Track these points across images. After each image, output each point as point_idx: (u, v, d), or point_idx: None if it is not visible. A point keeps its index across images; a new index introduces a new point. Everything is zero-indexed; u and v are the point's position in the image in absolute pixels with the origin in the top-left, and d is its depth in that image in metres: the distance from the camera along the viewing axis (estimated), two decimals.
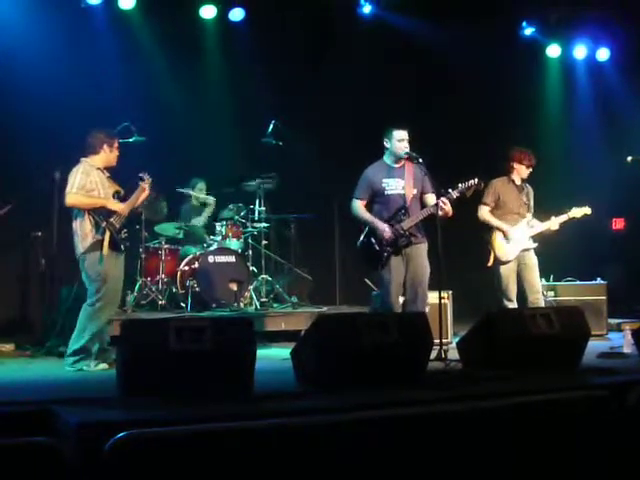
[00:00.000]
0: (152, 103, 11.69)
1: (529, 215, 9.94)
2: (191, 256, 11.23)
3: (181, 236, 11.70)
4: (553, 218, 9.91)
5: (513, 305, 9.70)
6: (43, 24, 10.76)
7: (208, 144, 12.25)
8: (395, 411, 4.63)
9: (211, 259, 11.03)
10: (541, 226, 9.89)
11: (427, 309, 9.01)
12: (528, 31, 13.44)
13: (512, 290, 9.79)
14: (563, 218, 9.91)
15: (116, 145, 8.54)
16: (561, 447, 4.41)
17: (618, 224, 13.94)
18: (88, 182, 8.20)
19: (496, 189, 9.94)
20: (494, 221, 9.87)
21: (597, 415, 4.57)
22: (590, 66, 14.01)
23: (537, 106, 13.69)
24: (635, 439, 4.54)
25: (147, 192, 8.70)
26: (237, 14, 12.38)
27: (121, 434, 3.58)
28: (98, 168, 8.35)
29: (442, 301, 8.67)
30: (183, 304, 10.88)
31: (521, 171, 9.93)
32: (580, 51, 13.86)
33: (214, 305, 10.80)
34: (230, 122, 12.43)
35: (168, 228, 11.67)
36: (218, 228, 11.58)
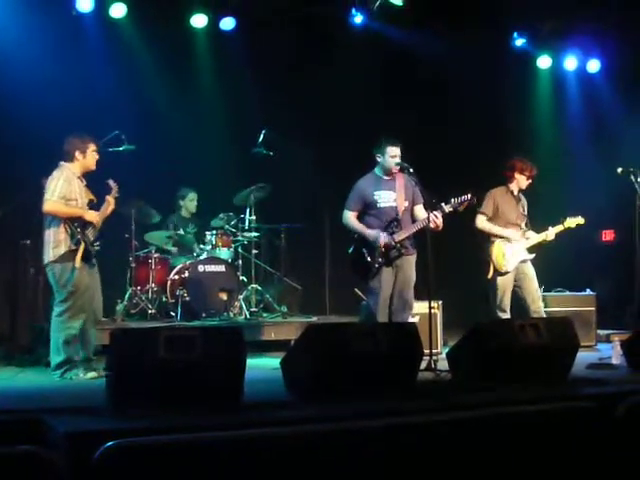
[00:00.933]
0: (143, 112, 11.67)
1: (524, 226, 9.96)
2: (181, 265, 11.21)
3: (171, 245, 11.68)
4: (550, 228, 9.93)
5: (506, 316, 9.70)
6: (34, 32, 10.74)
7: (198, 153, 12.24)
8: (385, 421, 4.63)
9: (201, 268, 11.02)
10: (537, 237, 9.91)
11: (417, 319, 9.03)
12: (519, 42, 13.44)
13: (507, 302, 9.80)
14: (559, 228, 9.94)
15: (92, 149, 8.45)
16: (549, 458, 4.41)
17: (608, 236, 13.95)
18: (69, 192, 8.18)
19: (495, 199, 9.95)
20: (495, 229, 9.87)
21: (586, 426, 4.57)
22: (581, 77, 14.03)
23: (527, 117, 13.71)
24: (623, 450, 4.54)
25: (112, 206, 8.63)
26: (228, 23, 12.36)
27: (110, 443, 3.58)
28: (78, 177, 8.34)
29: (432, 311, 8.66)
30: (173, 313, 10.86)
31: (521, 182, 9.94)
32: (571, 62, 13.88)
33: (204, 314, 10.78)
34: (221, 131, 12.43)
35: (158, 237, 11.65)
36: (208, 237, 11.56)
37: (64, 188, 8.13)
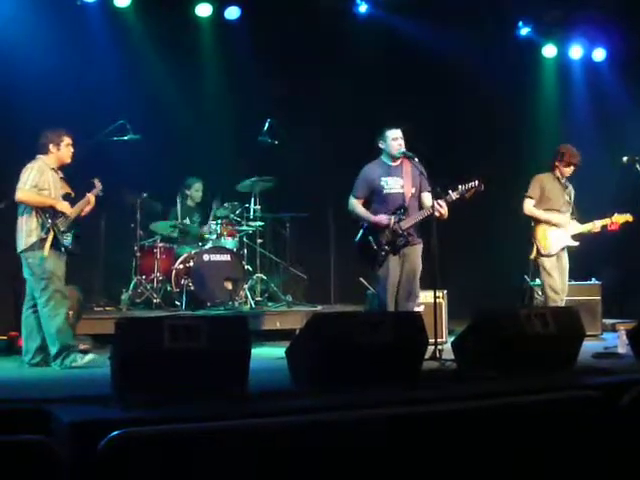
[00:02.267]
0: (147, 101, 11.68)
1: (569, 215, 9.93)
2: (186, 254, 11.20)
3: (176, 235, 11.68)
4: (596, 222, 9.90)
5: (559, 297, 9.70)
6: (38, 22, 10.74)
7: (203, 142, 12.26)
8: (390, 410, 4.62)
9: (206, 258, 11.01)
10: (583, 227, 9.90)
11: (422, 308, 9.02)
12: (524, 31, 13.43)
13: (558, 281, 9.78)
14: (606, 221, 9.92)
15: (66, 142, 8.47)
16: (555, 447, 4.40)
17: (613, 225, 13.92)
18: (41, 181, 8.21)
19: (542, 183, 9.95)
20: (544, 216, 9.88)
21: (591, 415, 4.57)
22: (586, 66, 14.00)
23: (533, 106, 13.67)
24: (629, 440, 4.53)
25: (92, 205, 8.64)
26: (233, 12, 12.36)
27: (115, 432, 3.57)
28: (52, 168, 8.37)
29: (437, 300, 8.65)
30: (178, 302, 10.87)
31: (565, 169, 9.92)
32: (576, 51, 13.85)
33: (209, 304, 10.79)
34: (226, 120, 12.42)
35: (163, 226, 11.64)
36: (213, 227, 11.56)
37: (36, 178, 8.19)
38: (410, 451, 4.09)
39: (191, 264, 10.94)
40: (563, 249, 9.88)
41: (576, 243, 9.91)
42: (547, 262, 9.83)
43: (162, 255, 11.32)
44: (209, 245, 11.30)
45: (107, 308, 10.86)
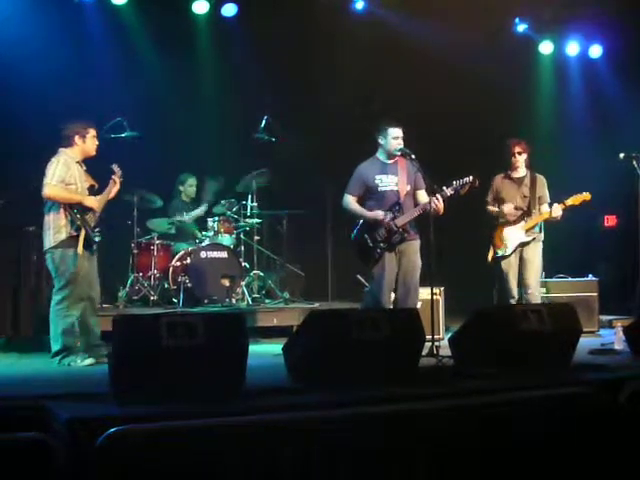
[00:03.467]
0: (144, 98, 11.68)
1: (530, 208, 9.89)
2: (183, 252, 11.20)
3: (173, 231, 11.68)
4: (555, 205, 9.83)
5: (513, 301, 9.69)
6: (36, 19, 10.75)
7: (200, 139, 12.27)
8: (387, 407, 4.63)
9: (203, 255, 11.01)
10: (535, 218, 9.84)
11: (419, 305, 9.03)
12: (521, 28, 13.43)
13: (512, 286, 9.77)
14: (562, 206, 9.83)
15: (91, 134, 8.45)
16: (552, 443, 4.41)
17: (610, 221, 13.95)
18: (68, 176, 8.16)
19: (493, 185, 10.00)
20: (491, 209, 9.94)
21: (588, 412, 4.58)
22: (583, 63, 14.01)
23: (529, 103, 13.68)
24: (626, 436, 4.55)
25: (118, 186, 8.66)
26: (229, 10, 12.37)
27: (112, 430, 3.58)
28: (77, 161, 8.33)
29: (434, 297, 8.67)
30: (175, 300, 10.86)
31: (514, 162, 9.93)
32: (573, 48, 13.86)
33: (206, 301, 10.79)
34: (222, 117, 12.41)
35: (160, 223, 11.65)
36: (210, 224, 11.56)
37: (63, 172, 8.12)
38: (407, 448, 4.10)
39: (188, 261, 10.94)
40: (523, 245, 9.84)
41: (529, 238, 9.79)
42: (503, 265, 9.84)
43: (159, 252, 11.31)
44: (206, 242, 11.30)
45: (104, 305, 10.82)
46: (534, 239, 9.81)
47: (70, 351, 8.04)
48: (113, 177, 8.60)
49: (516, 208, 9.89)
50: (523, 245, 9.80)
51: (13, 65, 10.49)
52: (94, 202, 8.28)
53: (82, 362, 7.98)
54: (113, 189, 8.60)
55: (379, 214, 8.69)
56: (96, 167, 8.70)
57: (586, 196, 9.79)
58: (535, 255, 9.84)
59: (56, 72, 10.80)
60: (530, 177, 9.97)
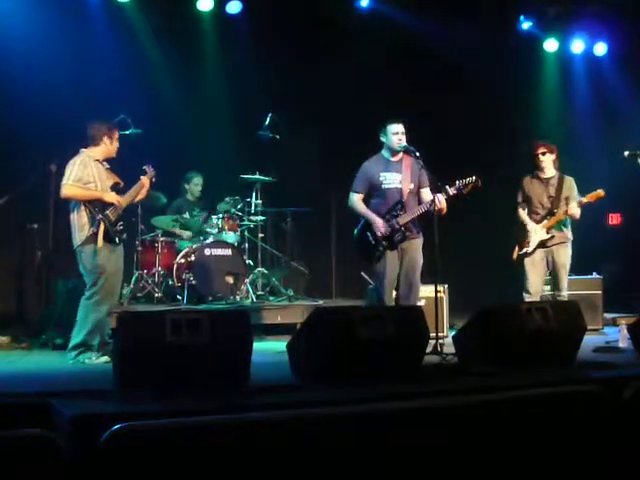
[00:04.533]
0: (149, 96, 11.68)
1: (556, 208, 9.86)
2: (187, 249, 11.21)
3: (178, 229, 11.67)
4: (572, 204, 9.79)
5: (530, 297, 9.66)
6: (40, 16, 10.76)
7: (205, 137, 12.27)
8: (391, 404, 4.63)
9: (207, 252, 11.02)
10: (556, 216, 9.82)
11: (422, 302, 9.03)
12: (525, 25, 13.43)
13: (532, 283, 9.74)
14: (578, 203, 9.79)
15: (116, 136, 8.57)
16: (556, 442, 4.41)
17: (614, 219, 13.95)
18: (85, 174, 8.20)
19: (522, 186, 9.99)
20: (525, 219, 9.91)
21: (592, 410, 4.57)
22: (587, 61, 14.00)
23: (534, 101, 13.68)
24: (630, 434, 4.54)
25: (147, 188, 8.73)
26: (234, 7, 12.38)
27: (117, 426, 3.58)
28: (97, 160, 8.35)
29: (438, 295, 8.66)
30: (179, 297, 10.87)
31: (538, 163, 9.91)
32: (577, 46, 13.86)
33: (210, 298, 10.79)
34: (227, 115, 12.41)
35: (165, 221, 11.65)
36: (214, 221, 11.56)
37: (79, 171, 8.17)
38: (410, 445, 4.10)
39: (192, 258, 10.94)
40: (546, 245, 9.82)
41: (548, 236, 9.76)
42: (526, 262, 9.82)
43: (163, 249, 11.32)
44: (210, 239, 11.30)
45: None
46: (553, 237, 9.76)
47: (87, 348, 8.06)
48: (142, 177, 8.66)
49: (542, 207, 9.87)
50: (545, 244, 9.76)
51: (16, 62, 10.49)
52: (114, 197, 8.33)
53: (97, 360, 8.00)
54: (142, 190, 8.68)
55: (381, 227, 8.67)
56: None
57: (600, 193, 9.75)
58: (567, 258, 9.80)
59: (59, 70, 10.79)
60: (558, 178, 9.95)
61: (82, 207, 8.21)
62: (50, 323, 9.50)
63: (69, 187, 8.14)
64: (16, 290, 10.35)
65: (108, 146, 8.47)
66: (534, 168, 9.98)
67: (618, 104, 13.33)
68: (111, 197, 8.31)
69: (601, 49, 13.81)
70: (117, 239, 8.34)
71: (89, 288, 8.19)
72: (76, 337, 8.10)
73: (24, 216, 10.26)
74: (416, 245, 8.80)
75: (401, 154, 8.85)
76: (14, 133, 10.51)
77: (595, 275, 11.32)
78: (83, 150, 8.36)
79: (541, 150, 9.90)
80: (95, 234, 8.14)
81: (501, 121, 12.85)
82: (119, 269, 8.48)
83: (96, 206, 8.20)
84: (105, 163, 8.47)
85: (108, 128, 8.49)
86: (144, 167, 8.78)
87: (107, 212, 8.23)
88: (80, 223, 8.21)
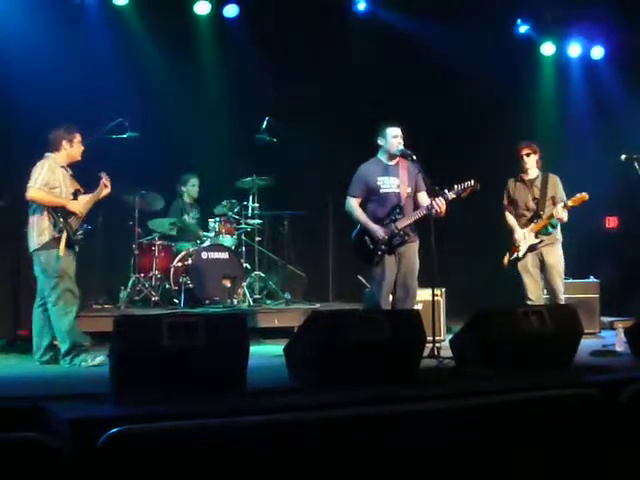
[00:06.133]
0: (146, 99, 11.68)
1: (543, 210, 9.85)
2: (184, 252, 11.21)
3: (174, 232, 11.68)
4: (558, 206, 9.77)
5: (530, 302, 9.65)
6: (37, 19, 10.73)
7: (202, 140, 12.28)
8: (388, 408, 4.63)
9: (204, 255, 11.03)
10: (543, 219, 9.81)
11: (420, 306, 9.03)
12: (522, 29, 13.43)
13: (530, 289, 9.74)
14: (563, 206, 9.76)
15: (77, 140, 8.53)
16: (553, 445, 4.41)
17: (612, 223, 13.94)
18: (52, 179, 8.23)
19: (507, 189, 10.00)
20: (511, 222, 9.91)
21: (589, 413, 4.57)
22: (584, 64, 14.00)
23: (531, 104, 13.67)
24: (628, 438, 4.54)
25: (109, 189, 8.69)
26: (231, 10, 12.37)
27: (114, 430, 3.57)
28: (62, 166, 8.38)
29: (435, 298, 8.67)
30: (176, 300, 10.88)
31: (523, 165, 9.92)
32: (574, 49, 13.85)
33: (207, 301, 10.81)
34: (224, 118, 12.43)
35: (162, 224, 11.65)
36: (211, 224, 11.58)
37: (47, 176, 8.21)
38: (408, 449, 4.10)
39: (189, 262, 10.96)
40: (535, 248, 9.82)
41: (537, 240, 9.74)
42: (519, 266, 9.82)
43: (160, 253, 11.34)
44: (207, 243, 11.31)
45: (105, 306, 10.87)
46: (542, 241, 9.76)
47: (80, 350, 8.08)
48: (103, 179, 8.62)
49: (528, 209, 9.88)
50: (534, 248, 9.77)
51: (13, 66, 10.47)
52: (77, 207, 8.35)
53: (93, 361, 7.99)
54: (103, 191, 8.64)
55: (380, 233, 8.66)
56: (94, 168, 8.72)
57: (584, 196, 9.74)
58: (556, 259, 9.80)
59: (55, 73, 10.77)
60: (542, 178, 9.95)
61: (45, 212, 8.21)
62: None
63: (36, 190, 8.15)
64: (11, 294, 10.33)
65: (69, 150, 8.47)
66: (519, 170, 10.00)
67: (615, 108, 13.32)
68: (74, 206, 8.33)
69: (598, 53, 13.81)
70: (76, 247, 8.37)
71: (51, 293, 8.18)
72: (63, 344, 8.12)
73: (19, 220, 10.23)
74: (413, 249, 8.80)
75: (397, 158, 8.85)
76: (12, 136, 10.50)
77: (592, 279, 11.32)
78: (49, 154, 8.39)
79: (525, 151, 9.93)
80: (56, 239, 8.16)
81: (498, 124, 12.85)
82: (74, 273, 8.45)
83: (59, 212, 8.21)
84: (69, 169, 8.50)
85: (66, 132, 8.48)
86: (100, 174, 8.74)
87: (69, 220, 8.25)
88: (40, 227, 8.22)
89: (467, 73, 12.63)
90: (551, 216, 9.69)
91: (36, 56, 10.63)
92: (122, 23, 11.81)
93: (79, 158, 8.59)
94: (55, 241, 8.16)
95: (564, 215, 9.65)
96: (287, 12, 12.19)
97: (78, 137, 8.55)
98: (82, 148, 8.59)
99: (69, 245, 8.23)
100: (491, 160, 11.88)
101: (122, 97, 11.18)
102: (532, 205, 9.88)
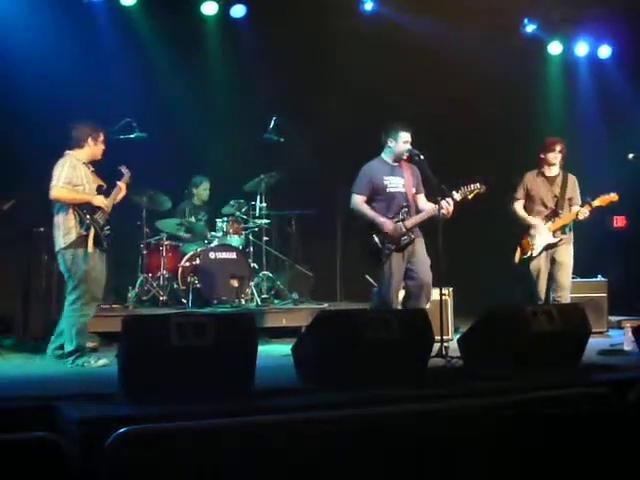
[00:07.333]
0: (153, 99, 11.69)
1: (561, 208, 9.83)
2: (192, 252, 11.21)
3: (182, 232, 11.68)
4: (580, 208, 9.74)
5: (540, 302, 9.63)
6: (44, 19, 10.75)
7: (209, 140, 12.28)
8: (396, 407, 4.64)
9: (212, 255, 11.03)
10: (563, 219, 9.78)
11: (427, 305, 9.03)
12: (530, 28, 13.41)
13: (542, 290, 9.73)
14: (588, 207, 9.73)
15: (101, 138, 8.49)
16: (561, 444, 4.41)
17: (619, 222, 13.91)
18: (75, 177, 8.16)
19: (524, 182, 9.94)
20: (523, 216, 9.88)
21: (597, 412, 4.58)
22: (592, 64, 13.98)
23: (538, 103, 13.65)
24: (635, 436, 4.54)
25: (124, 192, 8.67)
26: (238, 11, 12.37)
27: (122, 430, 3.59)
28: (84, 163, 8.34)
29: (443, 297, 8.65)
30: (184, 300, 10.87)
31: (546, 160, 9.88)
32: (582, 48, 13.84)
33: (215, 301, 10.80)
34: (231, 118, 12.43)
35: (169, 224, 11.66)
36: (219, 224, 11.58)
37: (69, 174, 8.13)
38: (416, 448, 4.10)
39: (197, 262, 10.95)
40: (551, 247, 9.79)
41: (555, 239, 9.74)
42: (531, 266, 9.80)
43: (168, 253, 11.34)
44: (215, 243, 11.31)
45: (114, 306, 10.86)
46: (561, 240, 9.74)
47: (84, 351, 8.07)
48: (119, 183, 8.61)
49: (546, 207, 9.86)
50: (550, 247, 9.75)
51: (22, 66, 10.50)
52: (102, 201, 8.28)
53: (96, 363, 7.98)
54: (119, 195, 8.61)
55: (389, 225, 8.66)
56: (103, 168, 8.72)
57: (613, 197, 9.74)
58: (567, 257, 9.79)
59: (65, 73, 10.79)
60: (562, 177, 9.92)
61: (70, 210, 8.14)
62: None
63: (59, 189, 8.08)
64: (22, 294, 10.34)
65: (92, 148, 8.41)
66: (543, 164, 9.94)
67: (622, 107, 13.31)
68: (99, 201, 8.27)
69: (605, 52, 13.79)
70: (105, 243, 8.30)
71: (71, 292, 8.16)
72: (68, 344, 8.09)
73: (30, 219, 10.25)
74: (421, 243, 8.77)
75: (401, 160, 8.89)
76: (19, 137, 10.52)
77: (600, 278, 11.30)
78: (69, 152, 8.32)
79: (559, 147, 9.86)
80: (84, 237, 8.11)
81: (504, 124, 12.84)
82: (103, 274, 8.42)
83: (84, 209, 8.16)
84: (90, 166, 8.45)
85: (93, 130, 8.42)
86: (120, 168, 8.74)
87: (96, 216, 8.19)
88: (67, 226, 8.14)
89: (474, 72, 12.60)
90: (575, 215, 9.68)
91: (43, 56, 10.66)
92: (129, 23, 11.81)
93: (99, 157, 8.52)
94: (82, 239, 8.11)
95: (587, 215, 9.66)
96: (294, 12, 12.18)
97: (102, 136, 8.51)
98: (103, 147, 8.55)
99: (97, 242, 8.16)
100: (497, 160, 11.87)
101: (129, 97, 11.19)
102: (551, 203, 9.85)
